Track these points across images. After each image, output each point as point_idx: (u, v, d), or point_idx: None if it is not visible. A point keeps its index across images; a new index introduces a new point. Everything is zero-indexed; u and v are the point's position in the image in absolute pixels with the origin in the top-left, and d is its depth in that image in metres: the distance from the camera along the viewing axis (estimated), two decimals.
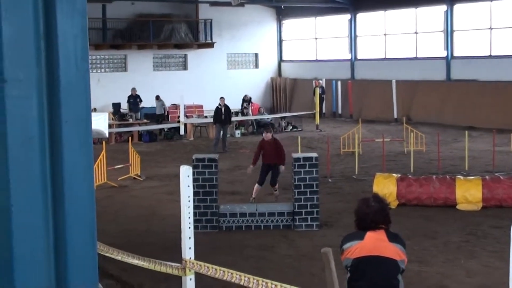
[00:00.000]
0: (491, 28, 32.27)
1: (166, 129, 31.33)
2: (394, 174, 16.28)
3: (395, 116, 34.41)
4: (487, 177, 16.12)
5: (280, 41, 44.28)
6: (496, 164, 19.97)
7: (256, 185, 16.32)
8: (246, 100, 35.76)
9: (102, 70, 38.49)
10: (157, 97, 33.67)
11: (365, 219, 5.74)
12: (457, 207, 15.16)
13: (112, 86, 37.09)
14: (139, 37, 38.70)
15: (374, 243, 5.66)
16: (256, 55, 43.46)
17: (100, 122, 14.57)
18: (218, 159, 14.28)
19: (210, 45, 40.51)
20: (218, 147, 25.45)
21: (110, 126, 25.97)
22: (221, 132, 26.36)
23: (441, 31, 34.21)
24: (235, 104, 33.99)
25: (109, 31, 38.17)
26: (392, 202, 15.00)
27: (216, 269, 7.95)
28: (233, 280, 7.60)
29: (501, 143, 23.67)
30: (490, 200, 15.19)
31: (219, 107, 26.61)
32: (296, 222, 13.82)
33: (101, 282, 9.89)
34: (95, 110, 32.54)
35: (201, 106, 37.50)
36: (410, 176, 16.63)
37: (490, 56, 32.33)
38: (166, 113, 33.95)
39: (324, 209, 14.57)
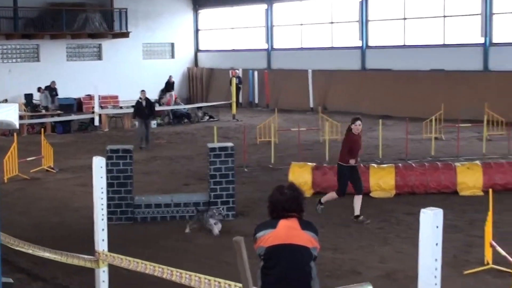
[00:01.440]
0: (404, 19, 32.89)
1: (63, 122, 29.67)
2: (309, 163, 16.41)
3: (311, 106, 34.73)
4: (400, 164, 16.42)
5: (197, 31, 44.09)
6: (409, 152, 20.35)
7: (334, 194, 13.71)
8: (171, 83, 35.59)
9: (14, 60, 37.57)
10: (39, 89, 32.60)
11: (277, 206, 5.74)
12: (371, 194, 15.39)
13: (24, 76, 36.27)
14: (51, 26, 37.89)
15: (287, 231, 5.66)
16: (172, 44, 43.16)
17: (10, 113, 14.10)
18: (133, 150, 14.12)
19: (125, 34, 40.02)
20: (142, 143, 23.87)
21: (21, 117, 25.34)
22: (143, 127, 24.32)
23: (356, 21, 34.67)
24: (152, 95, 33.66)
25: (20, 20, 37.27)
26: (308, 190, 15.13)
27: (129, 261, 7.85)
28: (146, 271, 7.52)
29: (414, 131, 24.13)
30: (403, 187, 15.50)
31: (140, 100, 24.60)
32: None
33: (11, 276, 9.65)
34: (6, 101, 31.77)
35: (117, 97, 37.08)
36: (325, 164, 16.78)
37: (404, 46, 32.96)
38: (51, 105, 32.40)
39: (240, 199, 14.59)
